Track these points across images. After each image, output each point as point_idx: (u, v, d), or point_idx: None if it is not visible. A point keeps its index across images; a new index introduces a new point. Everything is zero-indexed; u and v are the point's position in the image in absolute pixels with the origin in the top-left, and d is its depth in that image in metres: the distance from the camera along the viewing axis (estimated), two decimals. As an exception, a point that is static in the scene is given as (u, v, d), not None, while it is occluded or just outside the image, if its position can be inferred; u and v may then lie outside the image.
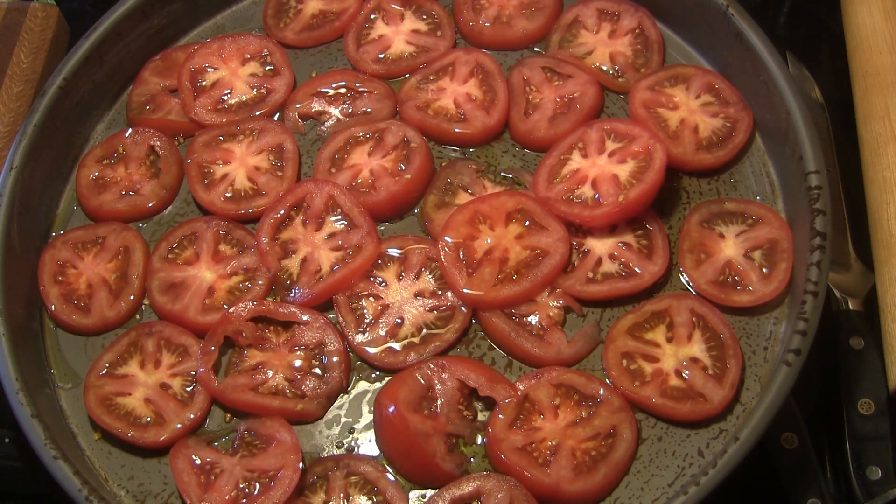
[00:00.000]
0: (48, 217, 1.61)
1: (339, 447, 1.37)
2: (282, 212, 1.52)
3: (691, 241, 1.45)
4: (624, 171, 1.44)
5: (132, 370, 1.43)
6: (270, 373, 1.41)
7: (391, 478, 1.32)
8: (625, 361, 1.37)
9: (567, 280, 1.42)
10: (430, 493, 1.31)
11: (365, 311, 1.44)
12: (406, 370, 1.37)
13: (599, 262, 1.43)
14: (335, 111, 1.65)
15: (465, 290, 1.40)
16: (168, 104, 1.69)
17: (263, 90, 1.68)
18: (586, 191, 1.45)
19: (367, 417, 1.39)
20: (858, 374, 1.49)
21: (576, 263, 1.44)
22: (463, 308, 1.42)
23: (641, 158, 1.44)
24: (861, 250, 1.61)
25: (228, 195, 1.57)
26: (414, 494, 1.32)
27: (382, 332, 1.42)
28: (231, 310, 1.43)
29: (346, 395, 1.41)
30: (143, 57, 1.73)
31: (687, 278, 1.43)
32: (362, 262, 1.46)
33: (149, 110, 1.68)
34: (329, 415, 1.40)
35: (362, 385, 1.42)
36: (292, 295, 1.45)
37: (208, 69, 1.70)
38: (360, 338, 1.42)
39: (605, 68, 1.63)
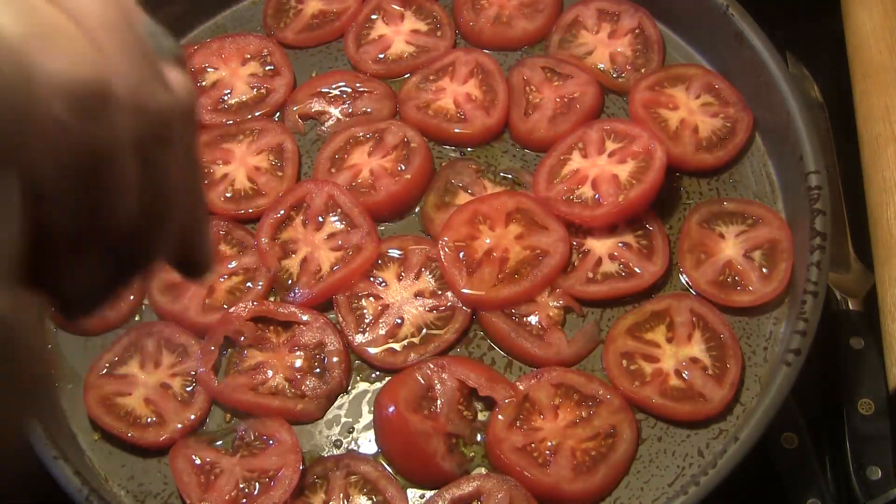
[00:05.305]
0: (48, 217, 1.61)
1: (338, 447, 1.37)
2: (282, 212, 1.52)
3: (691, 241, 1.45)
4: (624, 171, 1.44)
5: (132, 370, 1.43)
6: (270, 373, 1.41)
7: (391, 478, 1.32)
8: (625, 361, 1.37)
9: (567, 280, 1.42)
10: (430, 493, 1.31)
11: (365, 311, 1.44)
12: (406, 370, 1.37)
13: (599, 262, 1.43)
14: (335, 111, 1.64)
15: (465, 290, 1.40)
16: (168, 104, 1.68)
17: (263, 90, 1.68)
18: (586, 191, 1.45)
19: (367, 417, 1.39)
20: (858, 374, 1.48)
21: (576, 263, 1.44)
22: (463, 308, 1.42)
23: (641, 158, 1.44)
24: (861, 250, 1.61)
25: (228, 195, 1.57)
26: (414, 494, 1.32)
27: (382, 333, 1.42)
28: (231, 310, 1.43)
29: (346, 395, 1.41)
30: (143, 57, 1.73)
31: (687, 278, 1.43)
32: (362, 262, 1.46)
33: (149, 110, 1.68)
34: (329, 415, 1.40)
35: (362, 385, 1.42)
36: (292, 295, 1.45)
37: (208, 69, 1.70)
38: (360, 338, 1.42)
39: (605, 68, 1.63)
